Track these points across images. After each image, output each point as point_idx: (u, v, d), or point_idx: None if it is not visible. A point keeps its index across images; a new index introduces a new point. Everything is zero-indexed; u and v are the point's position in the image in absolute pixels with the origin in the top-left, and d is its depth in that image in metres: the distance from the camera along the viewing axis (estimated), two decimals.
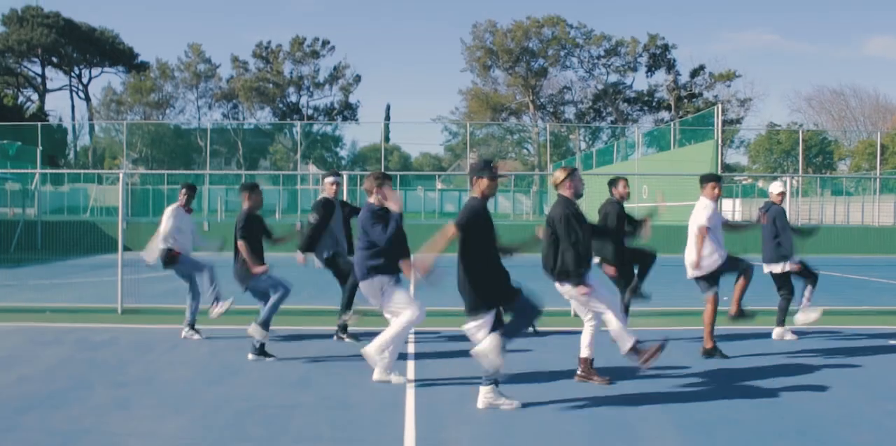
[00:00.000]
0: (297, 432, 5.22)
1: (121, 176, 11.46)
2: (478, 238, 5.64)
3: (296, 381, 6.61)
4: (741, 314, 7.97)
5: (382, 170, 43.63)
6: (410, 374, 6.77)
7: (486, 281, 5.63)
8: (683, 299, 11.28)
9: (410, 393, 6.22)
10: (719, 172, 28.16)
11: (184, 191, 8.97)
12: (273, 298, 7.44)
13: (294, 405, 5.85)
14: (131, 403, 5.91)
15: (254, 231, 7.74)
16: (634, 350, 6.25)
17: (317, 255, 8.31)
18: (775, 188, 8.95)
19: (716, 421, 5.52)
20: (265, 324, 7.36)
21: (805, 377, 6.90)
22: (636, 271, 8.27)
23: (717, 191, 7.95)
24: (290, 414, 5.63)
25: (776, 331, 8.86)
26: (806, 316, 8.69)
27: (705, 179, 8.04)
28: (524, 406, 5.75)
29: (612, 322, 6.31)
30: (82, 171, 45.79)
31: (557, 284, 6.42)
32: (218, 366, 7.20)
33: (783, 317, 8.85)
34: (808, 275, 8.84)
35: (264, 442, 4.98)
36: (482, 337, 5.58)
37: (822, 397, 6.23)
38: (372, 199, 6.71)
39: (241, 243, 7.57)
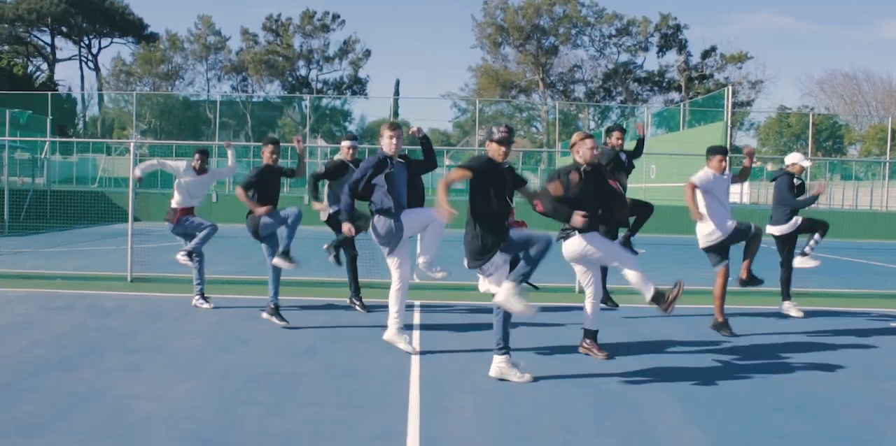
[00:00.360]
0: (303, 398, 5.33)
1: (131, 146, 11.56)
2: (478, 188, 5.85)
3: (303, 350, 6.72)
4: (750, 279, 7.99)
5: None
6: (416, 345, 6.86)
7: (477, 233, 5.85)
8: (690, 278, 11.33)
9: (416, 363, 6.32)
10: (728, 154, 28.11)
11: (197, 156, 9.13)
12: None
13: (301, 373, 5.96)
14: (142, 368, 6.03)
15: (265, 184, 7.90)
16: (655, 299, 6.28)
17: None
18: (789, 158, 9.07)
19: (716, 395, 5.61)
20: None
21: (806, 355, 6.98)
22: (632, 222, 8.45)
23: (723, 164, 7.86)
24: (297, 381, 5.74)
25: (784, 305, 9.01)
26: (802, 262, 8.81)
27: (712, 151, 7.93)
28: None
29: (630, 274, 6.32)
30: (92, 140, 45.81)
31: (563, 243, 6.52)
32: (227, 335, 7.31)
33: (786, 289, 8.98)
34: (815, 226, 8.90)
35: (272, 408, 5.09)
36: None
37: (823, 375, 6.31)
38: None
39: (238, 190, 7.82)
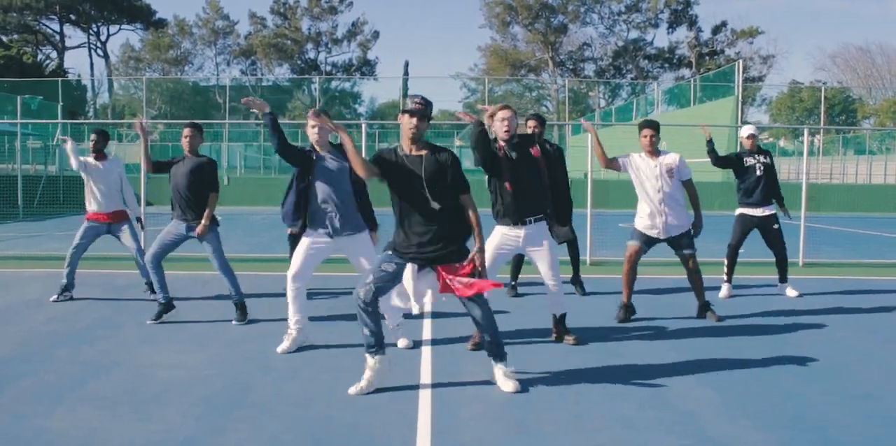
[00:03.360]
0: (318, 364, 5.41)
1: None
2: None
3: (318, 320, 6.78)
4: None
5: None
6: (427, 331, 6.92)
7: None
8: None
9: (427, 329, 6.40)
10: (739, 130, 27.96)
11: (92, 136, 8.16)
12: None
13: (316, 341, 6.03)
14: (157, 339, 6.12)
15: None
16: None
17: None
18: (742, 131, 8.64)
19: (727, 362, 5.66)
20: None
21: (815, 319, 7.03)
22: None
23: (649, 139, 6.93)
24: (313, 350, 5.82)
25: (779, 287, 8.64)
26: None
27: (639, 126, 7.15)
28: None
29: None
30: (104, 122, 45.95)
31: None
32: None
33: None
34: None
35: (287, 373, 5.18)
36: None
37: (833, 339, 6.35)
38: None
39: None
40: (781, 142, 56.07)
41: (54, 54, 66.25)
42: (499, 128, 5.82)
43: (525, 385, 4.91)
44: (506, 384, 4.81)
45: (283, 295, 7.65)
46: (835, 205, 24.22)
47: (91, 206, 8.00)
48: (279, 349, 5.74)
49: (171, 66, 67.21)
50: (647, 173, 6.90)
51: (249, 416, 4.30)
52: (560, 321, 6.17)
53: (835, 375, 5.26)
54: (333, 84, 63.56)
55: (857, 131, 49.04)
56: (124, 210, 8.11)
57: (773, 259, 8.35)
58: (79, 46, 69.13)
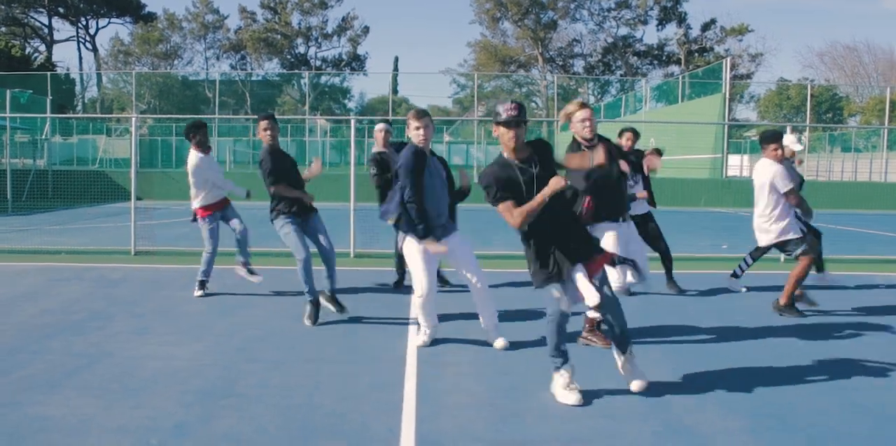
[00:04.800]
0: (303, 355, 5.56)
1: (133, 120, 11.70)
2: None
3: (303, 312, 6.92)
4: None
5: (391, 121, 43.58)
6: (412, 327, 7.06)
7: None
8: (687, 247, 11.52)
9: (412, 325, 6.55)
10: (726, 127, 28.25)
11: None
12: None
13: (303, 333, 6.19)
14: (149, 331, 6.26)
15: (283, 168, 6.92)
16: None
17: None
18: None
19: (698, 353, 5.83)
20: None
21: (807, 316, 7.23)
22: None
23: (778, 152, 7.08)
24: (298, 340, 5.97)
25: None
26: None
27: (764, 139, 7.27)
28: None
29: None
30: (93, 116, 45.87)
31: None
32: (230, 300, 7.53)
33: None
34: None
35: (273, 364, 5.33)
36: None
37: (805, 331, 6.53)
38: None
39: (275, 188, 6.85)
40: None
41: (43, 47, 65.96)
42: (579, 129, 5.77)
43: (507, 376, 5.07)
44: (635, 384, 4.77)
45: (277, 292, 7.83)
46: (820, 201, 24.37)
47: (207, 200, 7.92)
48: (419, 342, 5.83)
49: (161, 60, 67.03)
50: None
51: (238, 404, 4.45)
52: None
53: (803, 364, 5.44)
54: (323, 79, 63.55)
55: (842, 129, 49.42)
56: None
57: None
58: (67, 40, 68.88)
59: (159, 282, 8.64)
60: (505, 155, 4.68)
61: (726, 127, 27.87)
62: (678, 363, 5.50)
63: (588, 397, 4.66)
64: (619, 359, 4.85)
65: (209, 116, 42.69)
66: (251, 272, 8.06)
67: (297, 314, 6.89)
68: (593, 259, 4.66)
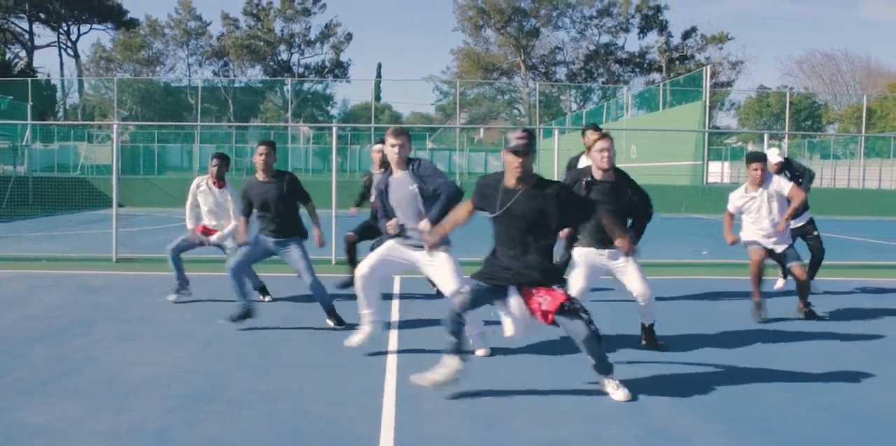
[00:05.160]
0: (288, 361, 5.60)
1: (114, 127, 11.71)
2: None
3: (286, 319, 6.96)
4: None
5: (373, 128, 44.15)
6: (395, 314, 7.12)
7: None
8: (672, 252, 11.63)
9: (394, 329, 6.60)
10: (706, 134, 28.50)
11: (214, 161, 7.96)
12: None
13: (286, 339, 6.22)
14: (133, 337, 6.27)
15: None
16: None
17: None
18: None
19: (678, 359, 5.92)
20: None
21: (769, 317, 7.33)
22: None
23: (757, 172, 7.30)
24: (282, 346, 6.01)
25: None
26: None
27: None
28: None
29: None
30: (74, 123, 45.65)
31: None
32: (213, 307, 7.54)
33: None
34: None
35: (259, 370, 5.36)
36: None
37: (784, 335, 6.63)
38: None
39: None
40: (749, 147, 56.79)
41: (23, 53, 65.51)
42: (597, 159, 5.81)
43: (489, 382, 5.13)
44: (616, 394, 4.83)
45: (258, 300, 7.84)
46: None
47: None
48: (348, 342, 5.81)
49: (143, 66, 66.78)
50: (758, 203, 7.33)
51: (222, 410, 4.48)
52: (649, 328, 6.26)
53: (782, 369, 5.53)
54: (306, 86, 63.51)
55: (820, 136, 49.91)
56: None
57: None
58: (48, 45, 68.46)
59: (142, 288, 8.64)
60: (505, 179, 4.75)
61: (706, 134, 28.17)
62: (658, 368, 5.58)
63: (570, 402, 4.73)
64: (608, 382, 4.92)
65: (191, 123, 42.61)
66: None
67: (281, 320, 6.94)
68: (538, 288, 4.71)
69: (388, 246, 5.87)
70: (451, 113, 61.77)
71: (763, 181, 7.31)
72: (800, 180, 8.67)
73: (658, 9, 64.85)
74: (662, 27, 65.71)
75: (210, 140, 45.41)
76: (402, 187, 5.70)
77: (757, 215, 7.38)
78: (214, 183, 7.83)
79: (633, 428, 4.31)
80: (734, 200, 7.51)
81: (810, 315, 7.48)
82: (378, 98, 63.51)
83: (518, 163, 4.63)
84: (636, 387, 5.02)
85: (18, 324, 6.73)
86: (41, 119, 42.16)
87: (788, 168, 8.73)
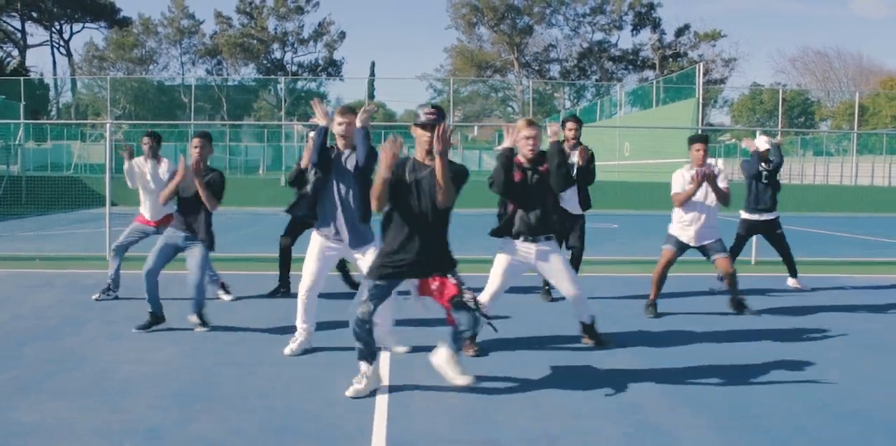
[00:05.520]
0: (277, 360, 5.61)
1: (108, 126, 11.69)
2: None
3: (277, 319, 6.96)
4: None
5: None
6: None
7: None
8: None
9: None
10: (700, 131, 28.47)
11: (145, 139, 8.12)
12: None
13: (276, 338, 6.22)
14: (123, 336, 6.28)
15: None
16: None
17: None
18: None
19: (668, 355, 5.95)
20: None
21: (760, 314, 7.36)
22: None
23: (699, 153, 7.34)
24: (271, 345, 6.00)
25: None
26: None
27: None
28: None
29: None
30: (67, 122, 45.54)
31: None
32: (207, 306, 7.51)
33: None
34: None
35: (248, 368, 5.37)
36: None
37: (775, 333, 6.66)
38: None
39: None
40: (743, 144, 56.88)
41: (16, 52, 65.36)
42: (522, 146, 5.69)
43: (480, 379, 5.14)
44: (458, 376, 4.88)
45: (249, 296, 7.87)
46: (792, 205, 24.74)
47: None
48: (286, 351, 5.76)
49: (136, 65, 66.65)
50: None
51: (214, 408, 4.49)
52: (590, 326, 6.17)
53: (771, 365, 5.56)
54: (299, 84, 63.47)
55: (813, 133, 50.04)
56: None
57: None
58: (41, 44, 68.35)
59: (134, 287, 8.59)
60: (416, 156, 4.79)
61: (700, 131, 28.15)
62: (650, 364, 5.60)
63: (559, 397, 4.75)
64: (444, 353, 4.93)
65: (185, 122, 42.50)
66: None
67: (270, 318, 6.95)
68: (432, 278, 4.76)
69: (321, 250, 5.80)
70: (445, 110, 61.71)
71: (704, 164, 7.31)
72: (773, 171, 8.78)
73: (651, 6, 64.98)
74: (656, 24, 65.84)
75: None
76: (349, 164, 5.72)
77: (694, 204, 7.32)
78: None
79: (624, 424, 4.33)
80: (678, 178, 7.39)
81: (739, 306, 7.53)
82: (372, 96, 63.40)
83: (427, 137, 4.66)
84: (626, 383, 5.05)
85: (10, 323, 6.73)
86: (34, 118, 42.06)
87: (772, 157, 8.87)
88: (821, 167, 43.65)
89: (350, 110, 5.80)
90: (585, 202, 7.84)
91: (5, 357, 5.59)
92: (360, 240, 5.74)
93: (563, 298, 7.91)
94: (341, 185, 5.69)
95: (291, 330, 6.14)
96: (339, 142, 5.80)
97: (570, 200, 7.65)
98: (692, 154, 7.34)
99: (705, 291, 8.68)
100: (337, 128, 5.74)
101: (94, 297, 7.93)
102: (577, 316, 6.14)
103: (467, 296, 4.70)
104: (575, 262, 8.02)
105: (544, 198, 5.72)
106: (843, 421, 4.43)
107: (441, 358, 4.93)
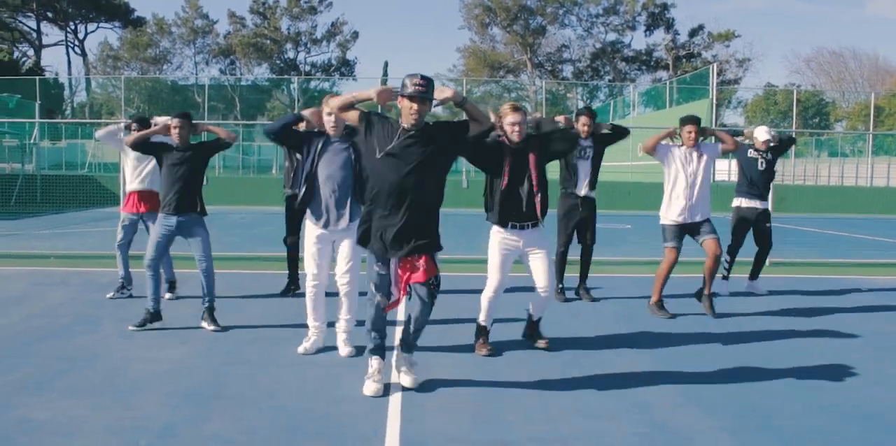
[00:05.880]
0: (289, 359, 5.61)
1: (122, 125, 11.68)
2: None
3: (290, 316, 6.95)
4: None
5: None
6: (399, 314, 7.12)
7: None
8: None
9: (397, 328, 6.59)
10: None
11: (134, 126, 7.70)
12: None
13: (289, 336, 6.21)
14: (137, 335, 6.29)
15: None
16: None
17: None
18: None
19: (681, 356, 5.92)
20: None
21: (773, 315, 7.31)
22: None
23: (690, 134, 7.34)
24: (285, 343, 6.00)
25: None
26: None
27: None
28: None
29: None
30: (82, 121, 45.71)
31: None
32: (219, 305, 7.53)
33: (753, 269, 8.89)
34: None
35: (264, 366, 5.38)
36: None
37: (789, 334, 6.62)
38: None
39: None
40: (744, 135, 56.56)
41: (31, 52, 65.74)
42: (508, 132, 5.60)
43: (491, 378, 5.13)
44: (405, 378, 4.95)
45: (261, 295, 7.88)
46: (807, 206, 24.65)
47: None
48: (300, 350, 5.76)
49: (150, 64, 66.87)
50: (684, 164, 7.35)
51: (226, 407, 4.50)
52: (536, 323, 6.15)
53: (785, 367, 5.52)
54: (312, 84, 63.45)
55: (828, 134, 49.75)
56: None
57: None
58: (56, 44, 68.72)
59: (143, 286, 8.63)
60: (401, 121, 4.69)
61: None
62: (659, 365, 5.58)
63: (571, 398, 4.74)
64: (397, 357, 5.05)
65: (198, 121, 42.60)
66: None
67: (283, 318, 6.95)
68: (410, 258, 4.70)
69: (317, 242, 5.75)
70: (458, 111, 61.73)
71: (696, 145, 7.33)
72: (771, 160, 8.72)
73: (665, 6, 64.68)
74: (669, 25, 65.55)
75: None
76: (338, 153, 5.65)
77: (685, 181, 7.30)
78: None
79: (634, 424, 4.31)
80: (665, 147, 7.48)
81: (698, 296, 7.59)
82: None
83: (415, 108, 4.57)
84: (637, 384, 5.03)
85: (24, 321, 6.76)
86: (49, 117, 42.27)
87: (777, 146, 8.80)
88: (836, 168, 43.39)
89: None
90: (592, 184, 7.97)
91: (16, 355, 5.60)
92: (351, 221, 5.66)
93: (579, 299, 8.00)
94: (330, 171, 5.61)
95: (303, 329, 6.14)
96: (330, 129, 5.67)
97: (581, 182, 7.78)
98: (683, 135, 7.37)
99: (718, 294, 8.63)
100: (326, 118, 5.62)
101: (108, 296, 7.96)
102: (534, 312, 6.08)
103: (438, 281, 4.76)
104: (586, 259, 8.03)
105: (531, 184, 5.63)
106: (855, 422, 4.39)
107: (407, 377, 4.96)
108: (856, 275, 10.36)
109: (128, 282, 8.13)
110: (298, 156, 5.90)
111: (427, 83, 4.59)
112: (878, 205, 26.38)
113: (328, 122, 5.63)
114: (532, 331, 6.16)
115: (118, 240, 8.13)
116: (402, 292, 4.79)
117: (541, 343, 6.05)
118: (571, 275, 8.10)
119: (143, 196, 7.98)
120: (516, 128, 5.56)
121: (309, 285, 5.83)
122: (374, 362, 4.93)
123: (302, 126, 6.44)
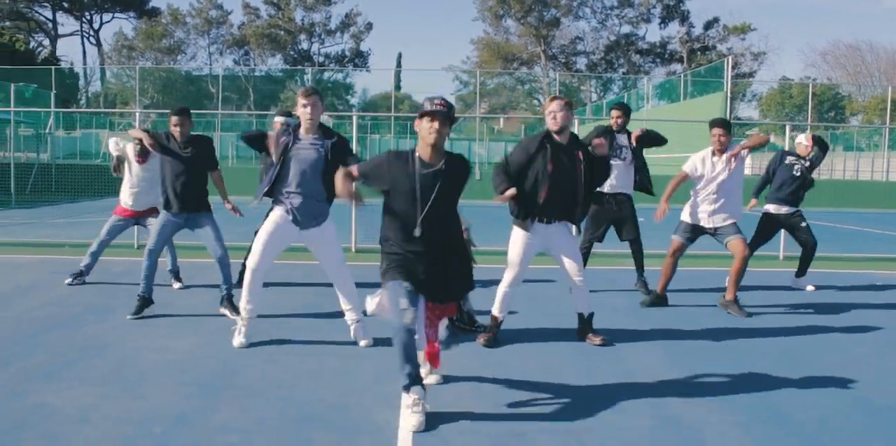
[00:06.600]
0: (303, 348, 5.62)
1: (136, 115, 11.77)
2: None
3: (303, 306, 6.98)
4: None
5: (393, 117, 44.22)
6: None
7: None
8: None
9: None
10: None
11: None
12: None
13: (299, 326, 6.24)
14: (148, 324, 6.31)
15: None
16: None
17: None
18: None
19: (693, 349, 5.89)
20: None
21: (787, 308, 7.27)
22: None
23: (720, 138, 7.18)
24: (296, 333, 6.02)
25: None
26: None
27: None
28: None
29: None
30: (96, 111, 45.92)
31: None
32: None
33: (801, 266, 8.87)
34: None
35: (274, 356, 5.39)
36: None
37: (803, 327, 6.58)
38: None
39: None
40: (772, 138, 56.28)
41: (47, 42, 66.01)
42: (548, 120, 5.65)
43: (504, 369, 5.12)
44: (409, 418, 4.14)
45: (272, 283, 7.88)
46: (822, 200, 24.50)
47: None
48: (236, 343, 5.64)
49: (164, 55, 67.04)
50: (711, 172, 7.16)
51: (238, 396, 4.50)
52: (588, 320, 6.04)
53: (797, 360, 5.49)
54: (326, 75, 63.48)
55: (844, 128, 49.39)
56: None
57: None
58: (71, 34, 69.16)
59: (160, 275, 8.63)
60: (417, 152, 4.35)
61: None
62: (672, 358, 5.55)
63: (584, 391, 4.72)
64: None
65: (212, 111, 42.71)
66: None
67: (295, 307, 6.96)
68: (440, 304, 4.52)
69: (276, 226, 5.66)
70: (471, 102, 61.53)
71: (726, 150, 7.16)
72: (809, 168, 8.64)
73: None
74: (684, 17, 65.19)
75: (231, 128, 45.49)
76: (310, 150, 5.57)
77: (712, 185, 7.14)
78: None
79: (647, 418, 4.28)
80: (697, 160, 7.25)
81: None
82: (398, 87, 63.30)
83: (434, 128, 4.21)
84: (649, 377, 5.01)
85: (37, 309, 6.79)
86: (64, 107, 42.42)
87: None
88: (851, 162, 43.06)
89: (314, 92, 5.60)
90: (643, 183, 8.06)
91: (29, 344, 5.63)
92: (311, 221, 5.64)
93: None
94: (299, 168, 5.53)
95: (314, 319, 6.15)
96: (304, 125, 5.64)
97: (619, 178, 7.80)
98: (712, 139, 7.21)
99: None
100: (301, 111, 5.56)
101: (66, 282, 8.05)
102: (580, 307, 6.01)
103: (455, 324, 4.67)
104: (635, 254, 8.00)
105: (566, 183, 5.64)
106: (868, 416, 4.37)
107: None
108: (871, 270, 10.29)
109: (87, 271, 8.22)
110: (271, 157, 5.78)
111: (447, 103, 4.28)
112: (893, 200, 26.19)
113: (304, 114, 5.56)
114: (585, 329, 6.02)
115: (101, 235, 8.21)
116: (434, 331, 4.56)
117: (596, 340, 5.91)
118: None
119: (136, 211, 8.25)
120: (551, 115, 5.62)
121: (251, 264, 5.69)
122: (413, 394, 4.14)
123: (277, 124, 6.86)
